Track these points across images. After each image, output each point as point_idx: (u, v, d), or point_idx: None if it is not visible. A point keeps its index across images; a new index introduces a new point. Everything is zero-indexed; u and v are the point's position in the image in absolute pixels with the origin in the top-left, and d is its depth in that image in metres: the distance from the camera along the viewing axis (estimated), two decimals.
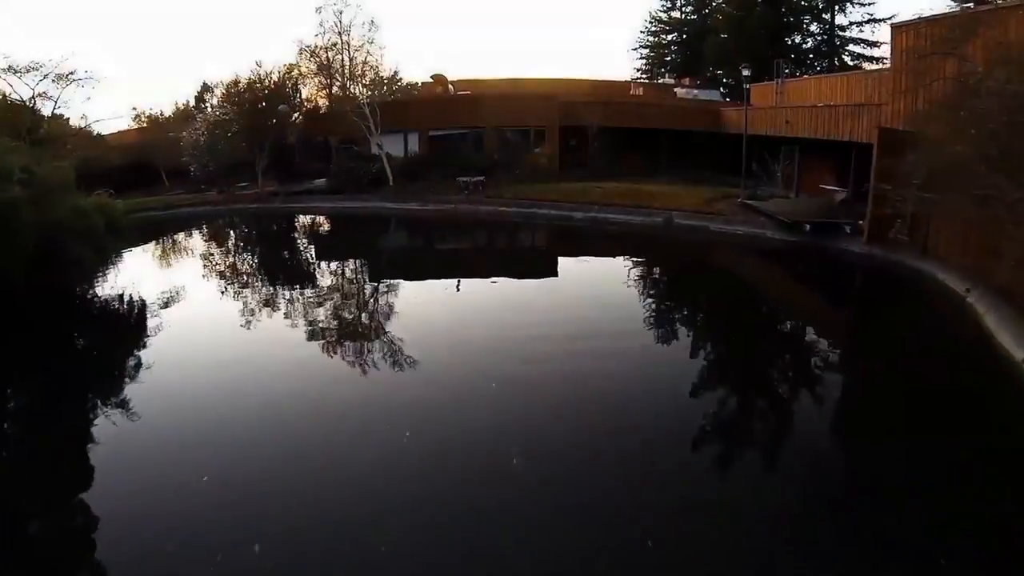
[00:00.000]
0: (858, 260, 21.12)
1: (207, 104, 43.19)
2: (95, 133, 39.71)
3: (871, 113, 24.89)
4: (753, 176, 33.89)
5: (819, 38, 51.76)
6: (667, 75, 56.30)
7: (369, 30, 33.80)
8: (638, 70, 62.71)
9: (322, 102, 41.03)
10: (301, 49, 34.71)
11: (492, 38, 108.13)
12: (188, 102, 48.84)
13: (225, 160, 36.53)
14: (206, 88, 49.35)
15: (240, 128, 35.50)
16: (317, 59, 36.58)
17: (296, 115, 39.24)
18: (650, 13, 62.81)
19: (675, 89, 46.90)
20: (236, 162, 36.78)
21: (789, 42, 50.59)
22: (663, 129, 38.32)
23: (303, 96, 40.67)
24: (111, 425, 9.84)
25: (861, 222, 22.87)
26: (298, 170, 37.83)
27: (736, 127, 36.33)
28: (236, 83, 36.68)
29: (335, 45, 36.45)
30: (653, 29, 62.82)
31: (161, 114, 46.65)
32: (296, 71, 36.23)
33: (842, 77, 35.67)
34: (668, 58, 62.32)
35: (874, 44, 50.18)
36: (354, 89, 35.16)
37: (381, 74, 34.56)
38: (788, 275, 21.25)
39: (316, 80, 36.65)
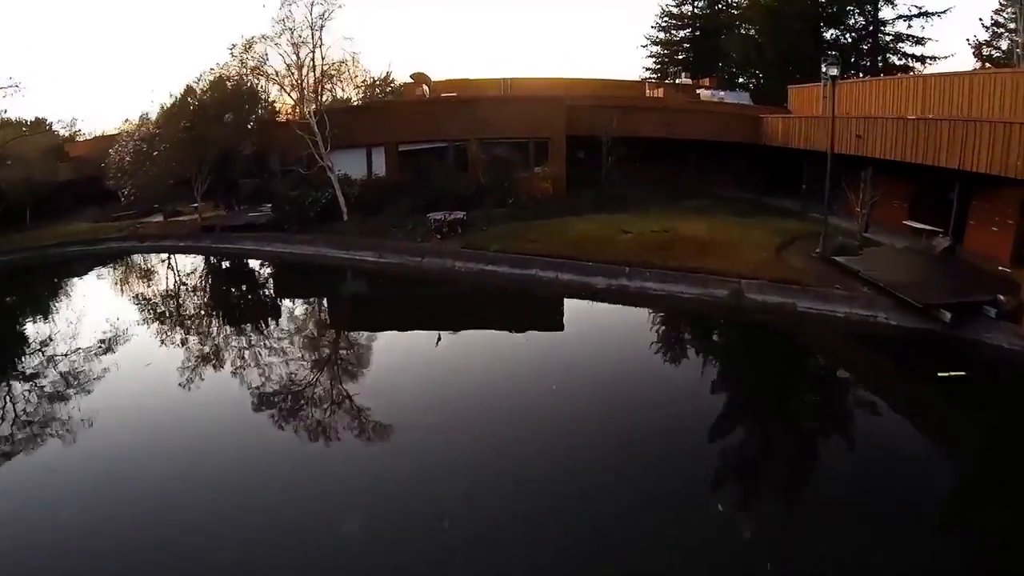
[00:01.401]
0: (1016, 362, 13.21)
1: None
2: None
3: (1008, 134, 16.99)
4: (810, 197, 26.05)
5: (860, 33, 42.79)
6: (682, 75, 47.46)
7: (322, 15, 24.56)
8: (647, 69, 54.06)
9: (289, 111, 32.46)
10: (232, 46, 25.27)
11: (479, 34, 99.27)
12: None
13: (153, 184, 28.46)
14: (190, 91, 43.44)
15: (173, 145, 27.34)
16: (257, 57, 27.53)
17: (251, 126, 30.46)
18: (661, 7, 54.06)
19: (698, 91, 38.29)
20: (175, 183, 29.16)
21: (829, 38, 41.82)
22: (692, 140, 29.95)
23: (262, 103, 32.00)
24: None
25: (1002, 297, 14.83)
26: (252, 193, 29.80)
27: (782, 138, 28.03)
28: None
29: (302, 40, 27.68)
30: (663, 24, 54.25)
31: (146, 119, 39.58)
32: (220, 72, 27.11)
33: (923, 78, 27.32)
34: (680, 56, 53.79)
35: (919, 41, 41.52)
36: (338, 92, 27.19)
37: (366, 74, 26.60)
38: (934, 398, 12.72)
39: (257, 82, 27.07)
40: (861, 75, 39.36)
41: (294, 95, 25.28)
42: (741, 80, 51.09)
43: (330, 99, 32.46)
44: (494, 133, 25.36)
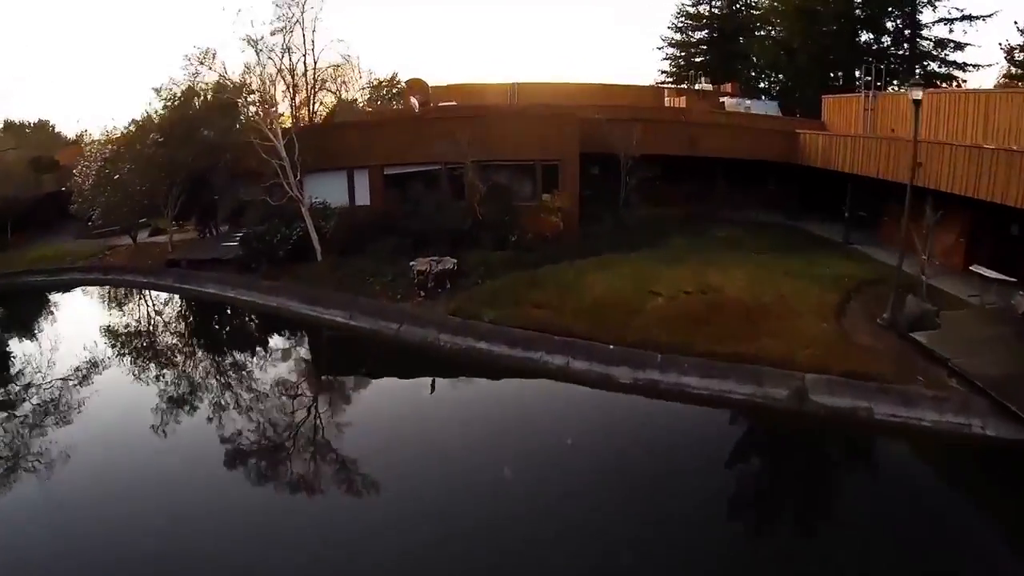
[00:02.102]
0: None
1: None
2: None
3: None
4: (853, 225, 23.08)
5: (896, 38, 38.34)
6: (701, 79, 43.32)
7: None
8: (663, 72, 50.02)
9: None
10: (187, 58, 21.05)
11: (482, 36, 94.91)
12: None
13: (117, 209, 25.45)
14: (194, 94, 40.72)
15: (137, 166, 24.10)
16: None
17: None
18: (677, 6, 49.95)
19: (722, 100, 34.21)
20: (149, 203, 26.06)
21: (865, 42, 37.43)
22: (719, 158, 26.10)
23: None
24: None
25: None
26: (235, 212, 26.49)
27: (822, 159, 24.05)
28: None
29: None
30: (679, 24, 50.16)
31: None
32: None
33: (987, 94, 23.21)
34: (698, 59, 49.65)
35: (959, 46, 37.08)
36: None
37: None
38: None
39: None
40: (898, 85, 35.07)
41: (264, 110, 21.31)
42: (762, 85, 47.06)
43: (334, 101, 29.50)
44: (495, 154, 21.36)
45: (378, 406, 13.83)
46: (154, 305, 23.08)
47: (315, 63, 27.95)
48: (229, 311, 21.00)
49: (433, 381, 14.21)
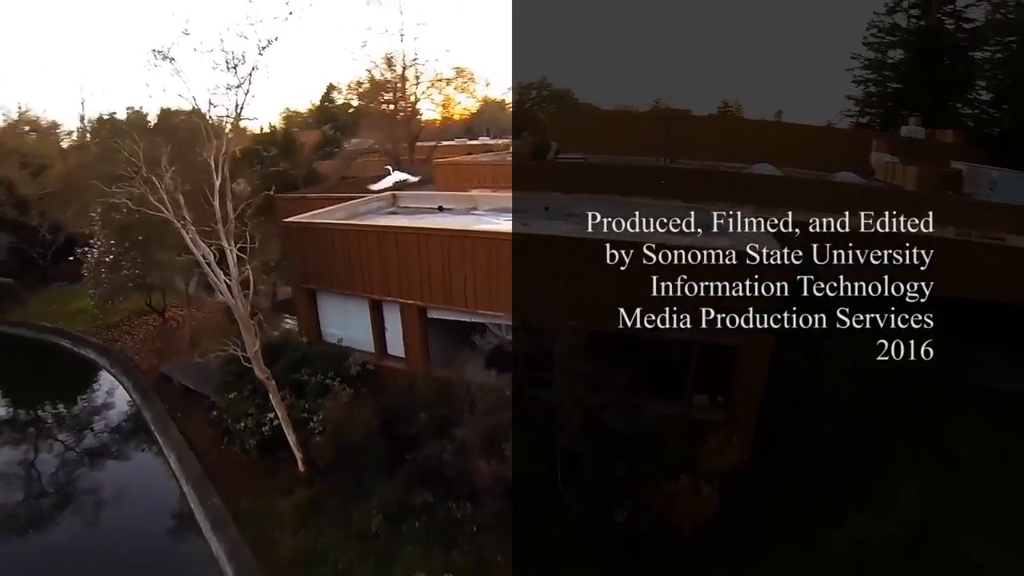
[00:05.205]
0: None
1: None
2: None
3: None
4: None
5: None
6: (909, 121, 29.16)
7: None
8: (852, 99, 35.56)
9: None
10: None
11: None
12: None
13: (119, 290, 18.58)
14: (332, 89, 41.26)
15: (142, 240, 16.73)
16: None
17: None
18: (874, 16, 35.31)
19: (957, 167, 20.83)
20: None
21: None
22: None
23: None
24: None
25: None
26: None
27: None
28: None
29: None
30: (874, 41, 35.57)
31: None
32: None
33: None
34: (892, 86, 35.04)
35: None
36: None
37: None
38: None
39: None
40: None
41: None
42: (974, 122, 31.81)
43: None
44: (604, 321, 10.19)
45: None
46: (119, 447, 15.15)
47: (416, 78, 22.92)
48: (169, 519, 12.12)
49: None
